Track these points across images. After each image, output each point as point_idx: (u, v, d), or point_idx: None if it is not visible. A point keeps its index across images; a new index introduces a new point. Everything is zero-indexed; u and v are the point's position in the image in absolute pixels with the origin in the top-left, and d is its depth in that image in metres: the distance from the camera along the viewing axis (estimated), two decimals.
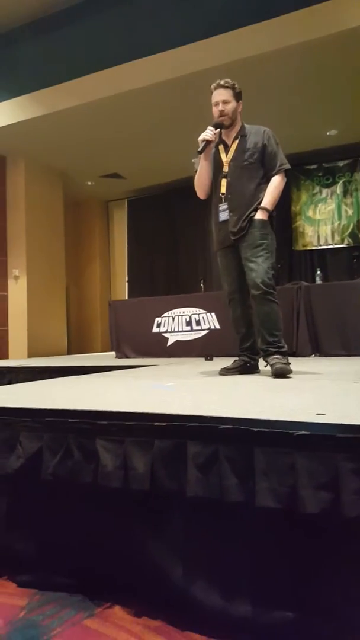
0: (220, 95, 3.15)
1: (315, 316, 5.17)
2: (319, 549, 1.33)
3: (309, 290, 5.31)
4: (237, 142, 3.20)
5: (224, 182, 3.20)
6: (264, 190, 3.13)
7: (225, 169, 3.20)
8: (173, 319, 5.90)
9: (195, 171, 3.34)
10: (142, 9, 6.26)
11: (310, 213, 8.56)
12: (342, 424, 1.30)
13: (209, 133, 3.08)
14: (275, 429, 1.35)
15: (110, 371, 4.15)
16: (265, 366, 3.06)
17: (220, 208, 3.23)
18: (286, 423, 1.36)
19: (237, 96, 3.18)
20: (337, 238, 8.36)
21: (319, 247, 8.51)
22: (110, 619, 1.45)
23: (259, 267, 3.04)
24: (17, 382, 4.32)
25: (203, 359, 5.04)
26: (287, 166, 3.16)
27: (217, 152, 3.27)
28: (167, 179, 9.36)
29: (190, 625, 1.38)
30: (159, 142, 7.80)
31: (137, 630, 1.39)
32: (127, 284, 10.46)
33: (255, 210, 3.10)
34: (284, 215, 8.35)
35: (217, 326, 5.60)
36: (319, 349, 5.11)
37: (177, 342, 5.85)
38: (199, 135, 3.11)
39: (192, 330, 5.77)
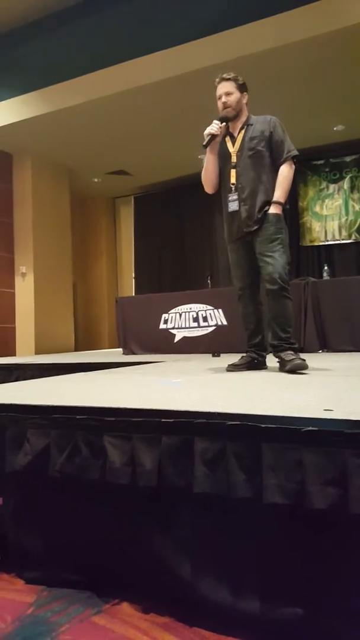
0: (223, 88, 3.15)
1: (323, 312, 5.15)
2: (327, 545, 1.33)
3: (317, 286, 5.29)
4: (243, 131, 3.18)
5: (232, 172, 3.18)
6: (274, 179, 3.10)
7: (234, 159, 3.18)
8: (180, 315, 5.89)
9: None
10: (147, 5, 6.24)
11: (317, 208, 8.52)
12: (350, 420, 1.29)
13: (214, 127, 3.07)
14: (282, 425, 1.34)
15: (118, 368, 4.15)
16: (278, 362, 3.03)
17: (230, 198, 3.20)
18: (294, 419, 1.36)
19: (241, 87, 3.17)
20: (344, 233, 8.32)
21: (326, 243, 8.47)
22: (118, 616, 1.45)
23: (276, 262, 3.01)
24: (24, 379, 4.32)
25: (210, 355, 5.03)
26: (295, 152, 3.13)
27: (224, 144, 3.24)
28: (174, 175, 9.34)
29: (198, 621, 1.38)
30: (165, 138, 7.78)
31: (145, 626, 1.39)
32: (134, 280, 10.45)
33: (269, 203, 3.07)
34: (291, 211, 8.31)
35: (224, 322, 5.59)
36: (326, 345, 5.10)
37: (184, 338, 5.85)
38: (205, 131, 3.09)
39: (199, 326, 5.76)
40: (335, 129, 7.66)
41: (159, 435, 1.49)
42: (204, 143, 3.12)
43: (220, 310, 5.65)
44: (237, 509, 1.41)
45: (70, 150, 8.16)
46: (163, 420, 1.50)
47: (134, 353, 6.11)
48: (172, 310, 5.95)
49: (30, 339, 8.12)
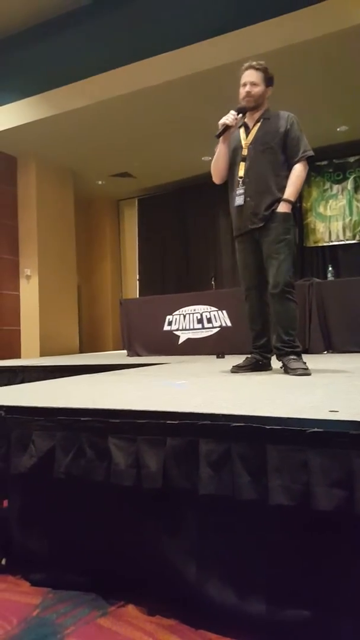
0: (249, 77, 3.04)
1: (328, 313, 5.14)
2: (333, 546, 1.32)
3: (321, 287, 5.28)
4: (259, 124, 3.09)
5: (242, 165, 3.08)
6: (284, 178, 3.02)
7: (245, 152, 3.08)
8: (184, 316, 5.89)
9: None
10: (152, 7, 6.25)
11: (321, 209, 8.51)
12: (355, 421, 1.29)
13: (229, 117, 2.98)
14: (288, 426, 1.34)
15: (122, 370, 4.15)
16: (281, 367, 3.01)
17: (237, 192, 3.11)
18: (299, 420, 1.35)
19: (268, 81, 3.07)
20: (348, 234, 8.30)
21: (331, 244, 8.46)
22: (123, 618, 1.45)
23: (281, 265, 2.96)
24: (29, 381, 4.33)
25: (214, 356, 5.03)
26: (311, 153, 3.04)
27: (237, 135, 3.15)
28: (178, 177, 9.36)
29: (204, 623, 1.38)
30: (169, 140, 7.79)
31: (150, 628, 1.39)
32: (138, 282, 10.46)
33: (278, 202, 3.00)
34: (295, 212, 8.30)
35: (229, 324, 5.59)
36: (331, 346, 5.09)
37: (189, 340, 5.85)
38: (220, 120, 3.00)
39: (203, 328, 5.76)
40: (338, 129, 7.66)
41: (164, 437, 1.49)
42: (217, 133, 3.03)
43: (224, 311, 5.64)
44: (242, 510, 1.41)
45: (74, 152, 8.18)
46: (168, 422, 1.50)
47: (138, 355, 6.11)
48: (176, 312, 5.95)
49: (35, 341, 8.13)
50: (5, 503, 1.90)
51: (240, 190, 3.09)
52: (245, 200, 3.07)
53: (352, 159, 8.27)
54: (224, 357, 4.91)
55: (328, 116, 7.20)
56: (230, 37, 5.69)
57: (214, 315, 5.71)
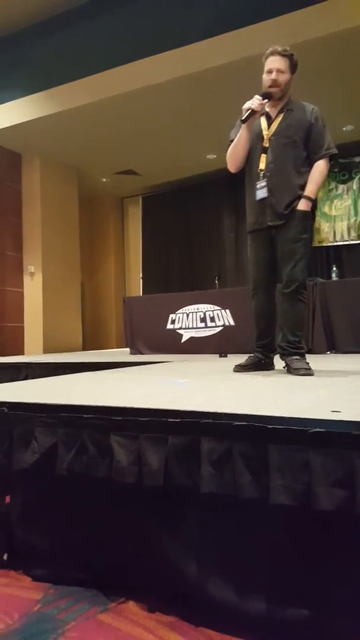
0: (276, 63, 2.89)
1: (331, 313, 5.13)
2: (334, 546, 1.32)
3: (325, 287, 5.27)
4: (282, 115, 2.96)
5: (263, 157, 2.95)
6: (305, 174, 2.91)
7: (266, 143, 2.95)
8: (187, 315, 5.89)
9: (231, 141, 3.04)
10: (157, 4, 6.25)
11: (326, 209, 8.50)
12: (357, 422, 1.29)
13: (255, 102, 2.82)
14: (290, 426, 1.34)
15: (125, 367, 4.16)
16: (284, 367, 3.00)
17: (258, 186, 2.97)
18: (301, 420, 1.35)
19: (293, 68, 2.94)
20: (353, 234, 8.29)
21: (335, 244, 8.44)
22: (124, 614, 1.45)
23: (297, 265, 2.90)
24: (33, 378, 4.34)
25: (217, 355, 5.03)
26: (334, 151, 2.93)
27: (258, 124, 3.00)
28: (182, 175, 9.35)
29: (204, 621, 1.38)
30: (174, 138, 7.79)
31: (150, 625, 1.40)
32: (141, 280, 10.47)
33: (298, 198, 2.90)
34: None
35: (232, 323, 5.59)
36: (334, 346, 5.08)
37: (192, 338, 5.85)
38: (245, 105, 2.86)
39: (206, 326, 5.76)
40: (344, 129, 7.63)
41: (166, 435, 1.49)
42: (242, 118, 2.83)
43: (227, 310, 5.64)
44: (243, 509, 1.41)
45: (78, 150, 8.19)
46: (170, 420, 1.51)
47: (141, 353, 6.12)
48: (180, 311, 5.95)
49: (39, 338, 8.16)
50: (8, 499, 1.91)
51: (262, 184, 2.96)
52: (267, 194, 2.94)
53: (357, 159, 8.25)
54: (226, 356, 4.91)
55: (334, 116, 7.14)
56: (234, 36, 5.67)
57: (217, 314, 5.71)
